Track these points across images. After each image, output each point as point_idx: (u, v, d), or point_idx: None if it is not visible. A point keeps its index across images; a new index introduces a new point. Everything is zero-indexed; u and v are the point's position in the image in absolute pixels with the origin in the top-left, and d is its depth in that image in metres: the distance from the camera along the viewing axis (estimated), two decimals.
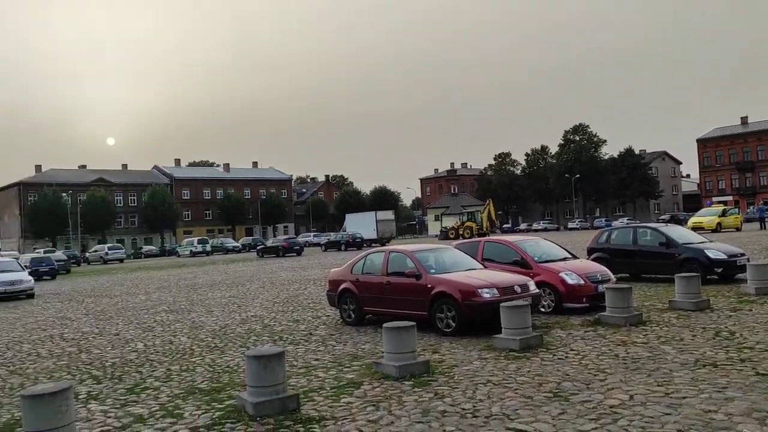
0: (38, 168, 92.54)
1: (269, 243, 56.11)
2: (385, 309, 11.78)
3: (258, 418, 6.50)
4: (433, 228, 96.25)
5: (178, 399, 7.65)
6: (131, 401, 7.70)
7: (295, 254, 49.85)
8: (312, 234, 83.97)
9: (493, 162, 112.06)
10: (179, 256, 66.75)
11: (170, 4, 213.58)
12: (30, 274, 27.73)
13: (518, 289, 10.77)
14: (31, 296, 24.69)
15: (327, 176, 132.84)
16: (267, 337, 11.79)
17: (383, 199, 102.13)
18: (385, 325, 8.28)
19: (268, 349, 7.28)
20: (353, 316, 12.51)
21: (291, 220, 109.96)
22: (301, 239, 64.06)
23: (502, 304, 9.53)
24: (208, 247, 64.71)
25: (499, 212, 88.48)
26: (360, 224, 61.20)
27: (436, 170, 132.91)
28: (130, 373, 9.33)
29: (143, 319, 15.58)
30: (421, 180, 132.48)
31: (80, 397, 7.98)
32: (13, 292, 24.29)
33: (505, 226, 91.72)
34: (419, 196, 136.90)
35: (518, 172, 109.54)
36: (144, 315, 16.51)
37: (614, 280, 13.09)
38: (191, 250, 63.98)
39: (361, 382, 7.83)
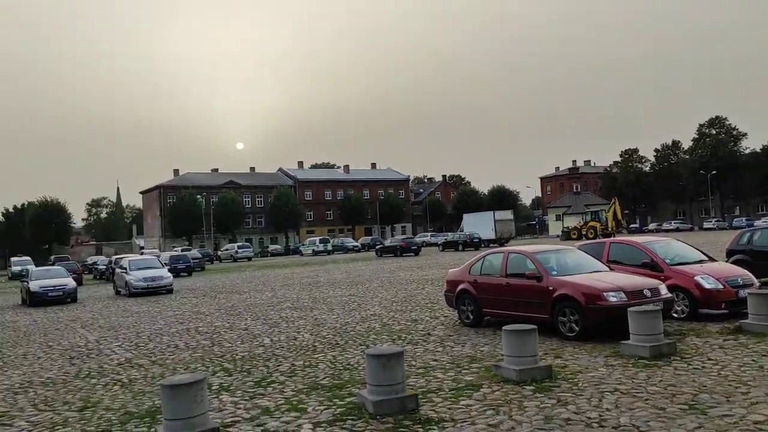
0: (176, 172, 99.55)
1: (387, 243, 56.92)
2: (505, 311, 11.57)
3: (378, 417, 6.58)
4: (554, 228, 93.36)
5: (301, 394, 7.91)
6: (259, 394, 8.06)
7: (412, 254, 50.21)
8: (429, 234, 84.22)
9: (618, 159, 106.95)
10: (302, 254, 69.36)
11: (292, 10, 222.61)
12: (169, 271, 29.92)
13: (648, 293, 10.18)
14: (170, 291, 26.61)
15: (444, 176, 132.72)
16: (386, 336, 11.93)
17: (501, 198, 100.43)
18: (504, 327, 8.11)
19: (388, 349, 7.36)
20: (471, 317, 12.38)
21: (408, 220, 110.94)
22: (418, 239, 64.45)
23: (630, 309, 9.04)
24: (329, 247, 66.74)
25: (626, 211, 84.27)
26: (478, 224, 60.57)
27: (557, 168, 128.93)
28: (258, 367, 9.78)
29: (269, 316, 16.31)
30: (542, 179, 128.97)
31: (213, 388, 8.47)
32: (155, 287, 26.31)
33: (632, 226, 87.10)
34: (539, 195, 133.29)
35: (647, 168, 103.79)
36: (270, 311, 17.28)
37: (757, 284, 12.04)
38: (313, 249, 66.28)
39: (481, 385, 7.71)
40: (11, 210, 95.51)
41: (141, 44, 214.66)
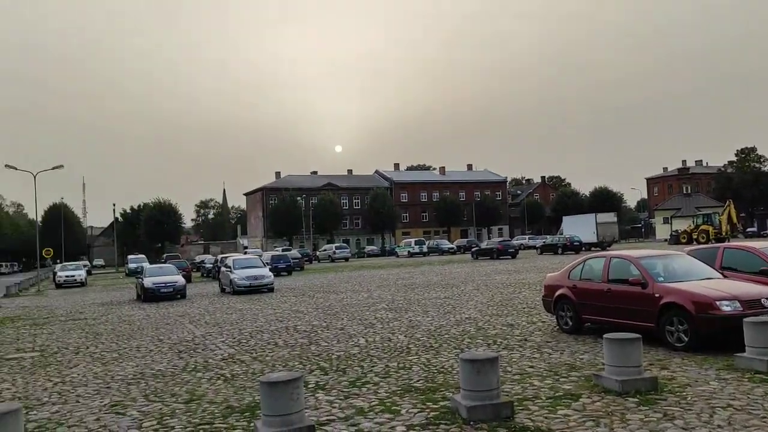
0: (278, 175, 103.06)
1: (484, 245, 56.22)
2: (606, 318, 11.10)
3: (471, 422, 6.49)
4: (662, 232, 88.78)
5: (395, 396, 7.93)
6: (353, 394, 8.16)
7: (509, 257, 49.36)
8: (527, 236, 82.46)
9: (734, 158, 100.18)
10: (398, 256, 69.82)
11: (387, 14, 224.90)
12: (270, 270, 30.97)
13: (766, 303, 9.44)
14: (271, 290, 27.54)
15: (543, 177, 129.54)
16: (481, 341, 11.76)
17: (604, 200, 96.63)
18: (606, 335, 7.77)
19: (482, 354, 7.24)
20: (570, 323, 11.98)
21: (506, 222, 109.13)
22: (515, 242, 63.25)
23: (745, 319, 8.41)
24: (425, 248, 66.76)
25: (742, 214, 78.81)
26: (578, 227, 58.59)
27: (665, 169, 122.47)
28: (353, 367, 9.91)
29: (365, 316, 16.50)
30: (648, 179, 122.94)
31: (309, 386, 8.66)
32: (257, 286, 27.32)
33: (749, 230, 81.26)
34: (645, 196, 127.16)
35: (766, 168, 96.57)
36: (366, 312, 17.48)
37: None
38: (409, 251, 66.55)
39: (580, 395, 7.43)
40: (129, 211, 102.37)
41: (244, 51, 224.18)
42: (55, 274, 48.05)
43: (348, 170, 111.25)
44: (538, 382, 8.22)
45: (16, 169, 44.78)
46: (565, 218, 65.86)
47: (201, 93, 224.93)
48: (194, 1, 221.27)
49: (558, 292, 12.31)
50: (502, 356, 9.84)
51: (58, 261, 62.39)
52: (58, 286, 43.93)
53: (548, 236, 68.28)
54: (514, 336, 12.07)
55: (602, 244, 54.51)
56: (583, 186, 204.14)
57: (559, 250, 52.46)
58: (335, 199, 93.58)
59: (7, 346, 14.94)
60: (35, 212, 59.93)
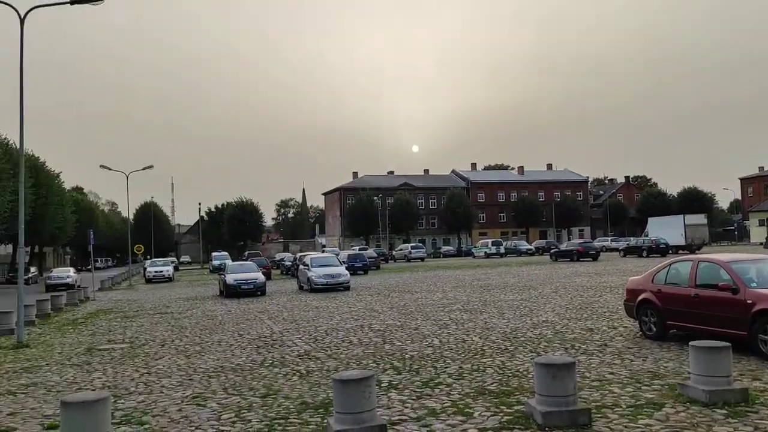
0: (355, 175, 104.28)
1: (563, 246, 54.83)
2: (692, 324, 10.56)
3: (546, 428, 6.33)
4: (757, 235, 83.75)
5: (468, 398, 7.84)
6: (426, 394, 8.12)
7: (590, 259, 47.93)
8: (609, 238, 79.74)
9: None
10: (474, 256, 69.14)
11: (464, 12, 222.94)
12: (346, 268, 31.35)
13: None
14: (347, 288, 27.88)
15: (627, 177, 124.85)
16: (558, 344, 11.46)
17: (693, 200, 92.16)
18: (692, 343, 7.39)
19: (559, 358, 7.04)
20: (654, 329, 11.48)
21: (587, 223, 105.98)
22: (597, 243, 61.28)
23: None
24: (502, 249, 65.81)
25: None
26: (665, 229, 56.09)
27: (760, 168, 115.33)
28: (426, 368, 9.87)
29: (439, 317, 16.42)
30: (742, 179, 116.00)
31: (382, 385, 8.69)
32: (333, 284, 27.72)
33: None
34: (738, 197, 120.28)
35: None
36: (440, 312, 17.40)
37: None
38: (485, 252, 65.79)
39: (663, 404, 7.11)
40: (213, 209, 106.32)
41: (321, 54, 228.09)
42: (145, 269, 50.52)
43: (424, 170, 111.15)
44: (618, 390, 7.92)
45: (110, 169, 47.35)
46: (650, 219, 63.23)
47: (281, 96, 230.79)
48: (271, 4, 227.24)
49: (641, 297, 11.83)
50: (580, 361, 9.56)
51: (148, 257, 65.53)
52: (148, 281, 46.16)
53: (632, 238, 65.79)
54: (593, 341, 11.69)
55: (691, 247, 52.01)
56: (671, 186, 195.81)
57: (644, 253, 50.43)
58: (411, 198, 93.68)
59: (99, 337, 15.82)
60: (127, 210, 63.08)
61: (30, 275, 49.72)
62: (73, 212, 67.90)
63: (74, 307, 25.74)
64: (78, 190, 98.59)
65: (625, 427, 6.40)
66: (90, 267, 44.14)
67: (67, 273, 42.71)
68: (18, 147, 16.56)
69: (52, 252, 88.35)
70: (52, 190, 57.37)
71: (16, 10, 15.82)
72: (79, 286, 35.33)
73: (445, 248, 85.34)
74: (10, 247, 60.72)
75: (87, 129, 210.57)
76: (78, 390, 9.38)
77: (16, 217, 17.08)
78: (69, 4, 15.80)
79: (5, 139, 47.99)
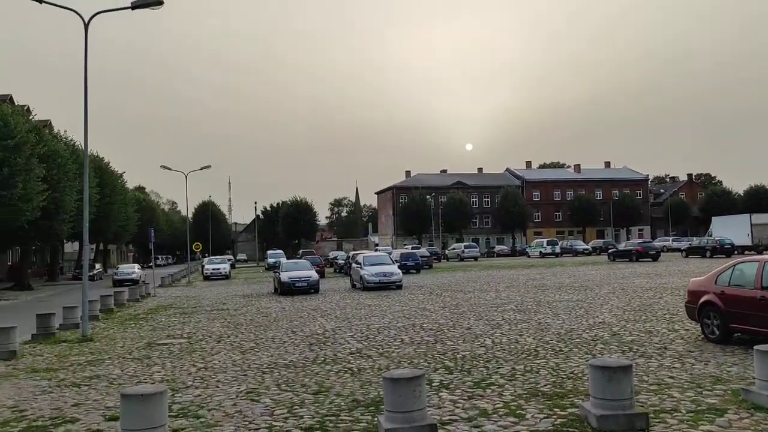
0: (408, 173, 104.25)
1: (622, 246, 53.41)
2: (758, 328, 10.12)
3: None
4: None
5: (521, 399, 7.72)
6: (477, 395, 8.04)
7: (650, 259, 46.53)
8: (671, 238, 77.27)
9: None
10: (529, 256, 68.15)
11: (517, 10, 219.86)
12: (399, 267, 31.37)
13: None
14: (399, 287, 27.90)
15: (689, 175, 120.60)
16: (615, 347, 11.17)
17: (761, 199, 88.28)
18: (757, 347, 7.08)
19: (615, 360, 6.85)
20: (717, 332, 11.05)
21: (646, 222, 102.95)
22: (657, 243, 59.46)
23: None
24: (557, 249, 64.63)
25: None
26: (730, 228, 53.92)
27: None
28: (478, 368, 9.78)
29: (492, 316, 16.25)
30: None
31: (434, 384, 8.65)
32: (386, 282, 27.79)
33: None
34: None
35: None
36: (493, 312, 17.21)
37: None
38: (540, 251, 64.76)
39: (725, 410, 6.83)
40: (268, 208, 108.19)
41: (372, 52, 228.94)
42: (203, 267, 51.83)
43: (478, 168, 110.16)
44: (678, 394, 7.66)
45: (170, 169, 48.83)
46: (714, 219, 60.91)
47: (333, 97, 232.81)
48: (321, 7, 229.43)
49: (703, 299, 11.41)
50: (638, 364, 9.29)
51: (206, 255, 67.19)
52: (206, 278, 47.32)
53: (695, 238, 63.54)
54: (652, 343, 11.34)
55: (758, 248, 49.83)
56: (736, 184, 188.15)
57: (708, 253, 48.63)
58: (465, 197, 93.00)
59: (159, 332, 16.31)
60: (186, 209, 64.90)
61: (95, 272, 51.76)
62: (136, 211, 70.27)
63: (136, 303, 26.62)
64: (140, 189, 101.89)
65: None
66: (151, 264, 45.65)
67: (132, 269, 44.60)
68: (83, 148, 17.23)
69: (115, 249, 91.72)
70: (116, 189, 59.51)
71: (81, 16, 16.46)
72: (143, 282, 36.83)
73: (498, 248, 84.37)
74: (76, 245, 63.29)
75: (148, 131, 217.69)
76: (138, 383, 9.69)
77: (82, 215, 17.78)
78: (130, 9, 16.32)
79: (72, 140, 50.07)
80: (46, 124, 48.37)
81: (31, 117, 41.01)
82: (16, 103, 45.50)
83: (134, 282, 39.46)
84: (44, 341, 15.05)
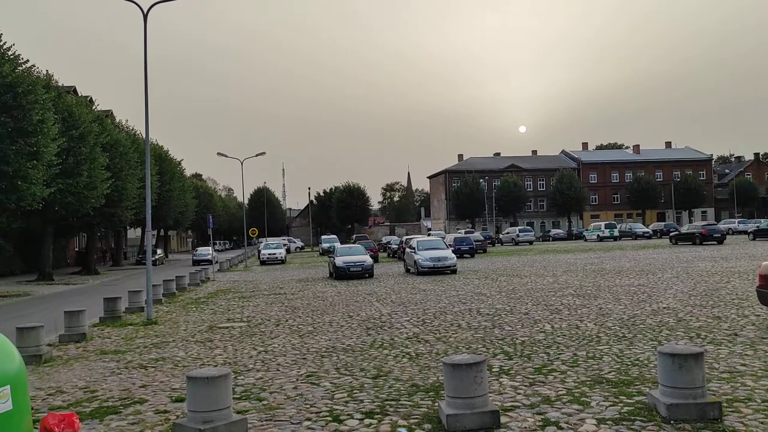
0: (460, 157, 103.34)
1: (684, 229, 51.61)
2: None
3: (672, 421, 5.95)
4: None
5: (584, 386, 7.53)
6: (539, 381, 7.89)
7: (715, 242, 44.83)
8: (736, 220, 74.23)
9: None
10: (586, 240, 66.69)
11: None
12: (453, 252, 31.17)
13: None
14: (454, 272, 27.74)
15: (756, 154, 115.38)
16: (682, 333, 10.79)
17: None
18: None
19: (685, 348, 6.58)
20: None
21: (710, 204, 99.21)
22: (722, 226, 57.24)
23: None
24: (616, 232, 62.98)
25: None
26: None
27: None
28: (538, 353, 9.60)
29: (551, 301, 15.95)
30: None
31: (493, 370, 8.54)
32: (440, 267, 27.67)
33: None
34: None
35: None
36: (551, 297, 16.90)
37: None
38: (598, 235, 63.26)
39: None
40: (322, 194, 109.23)
41: (425, 36, 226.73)
42: (259, 252, 52.82)
43: (532, 151, 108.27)
44: (751, 383, 7.33)
45: (226, 156, 49.76)
46: None
47: (384, 82, 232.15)
48: None
49: None
50: (707, 351, 8.94)
51: (261, 240, 68.39)
52: (262, 263, 48.20)
53: (762, 220, 60.86)
54: (721, 330, 10.90)
55: None
56: None
57: None
58: (519, 180, 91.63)
59: (219, 315, 16.69)
60: (242, 195, 66.38)
61: (156, 257, 53.46)
62: (194, 198, 72.11)
63: (196, 287, 27.34)
64: (197, 176, 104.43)
65: (761, 423, 5.91)
66: (220, 248, 47.29)
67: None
68: (144, 137, 17.69)
69: (175, 235, 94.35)
70: (175, 177, 61.12)
71: (140, 7, 16.81)
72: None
73: (554, 231, 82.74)
74: (138, 231, 65.42)
75: (205, 119, 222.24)
76: (202, 365, 9.92)
77: (144, 202, 18.33)
78: None
79: (133, 130, 51.58)
80: (108, 114, 49.94)
81: (93, 107, 42.44)
82: (80, 95, 47.12)
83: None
84: (111, 324, 15.61)
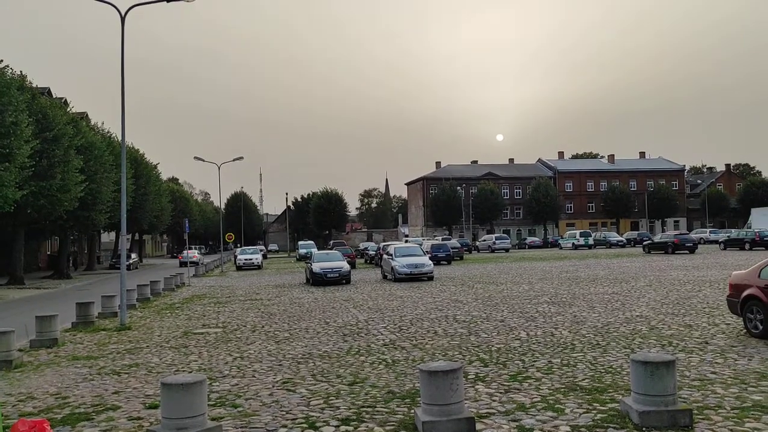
0: (438, 164, 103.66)
1: (657, 238, 52.39)
2: None
3: (644, 428, 6.05)
4: None
5: (558, 393, 7.61)
6: (514, 388, 7.96)
7: (687, 252, 45.57)
8: (708, 230, 75.52)
9: None
10: (561, 248, 67.31)
11: (549, 2, 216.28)
12: (430, 258, 31.26)
13: None
14: (430, 279, 27.81)
15: (728, 165, 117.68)
16: (654, 341, 10.95)
17: None
18: None
19: (657, 355, 6.69)
20: (760, 327, 10.74)
21: (683, 214, 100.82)
22: (694, 235, 58.24)
23: None
24: (591, 241, 63.69)
25: None
26: None
27: None
28: (514, 361, 9.68)
29: (526, 309, 16.08)
30: None
31: (469, 377, 8.59)
32: (417, 274, 27.73)
33: None
34: None
35: None
36: (527, 304, 17.03)
37: None
38: (573, 243, 63.89)
39: None
40: (299, 199, 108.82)
41: (404, 43, 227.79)
42: (235, 257, 52.42)
43: (509, 159, 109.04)
44: (721, 390, 7.48)
45: (203, 160, 49.40)
46: (754, 210, 59.61)
47: (363, 87, 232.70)
48: (352, 0, 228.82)
49: (746, 292, 11.11)
50: (678, 359, 9.08)
51: (238, 245, 67.90)
52: (238, 268, 47.83)
53: (733, 230, 62.04)
54: (692, 338, 11.09)
55: None
56: None
57: (747, 246, 47.47)
58: (495, 188, 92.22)
59: (194, 321, 16.53)
60: (219, 200, 65.72)
61: (131, 261, 52.78)
62: (169, 202, 71.29)
63: (171, 292, 27.05)
64: (174, 180, 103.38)
65: (730, 430, 6.04)
66: (208, 251, 46.98)
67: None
68: (120, 140, 17.50)
69: (150, 239, 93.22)
70: (151, 180, 60.42)
71: (117, 9, 16.66)
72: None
73: (530, 239, 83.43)
74: (113, 235, 64.54)
75: (182, 123, 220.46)
76: (176, 372, 9.83)
77: (119, 206, 18.10)
78: (165, 1, 16.46)
79: (108, 132, 50.93)
80: (83, 116, 49.25)
81: (68, 109, 41.84)
82: (54, 96, 46.44)
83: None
84: (84, 329, 15.38)
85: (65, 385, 9.18)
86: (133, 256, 57.92)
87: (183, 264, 53.06)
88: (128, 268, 46.65)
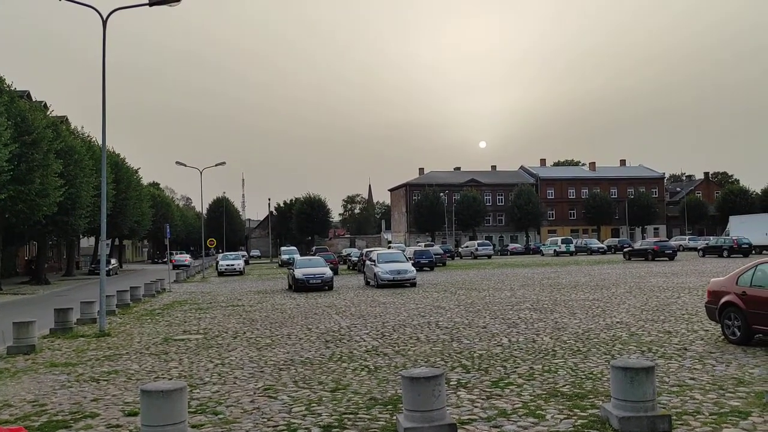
0: (421, 171, 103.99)
1: (637, 245, 52.96)
2: None
3: None
4: None
5: (540, 399, 7.65)
6: (496, 394, 7.98)
7: (666, 258, 46.14)
8: (687, 237, 76.51)
9: None
10: (543, 254, 67.75)
11: (532, 10, 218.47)
12: (413, 265, 31.29)
13: None
14: (413, 285, 27.84)
15: (706, 173, 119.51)
16: (634, 347, 11.06)
17: None
18: None
19: (637, 362, 6.76)
20: (738, 333, 10.90)
21: (662, 221, 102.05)
22: (674, 242, 58.95)
23: None
24: (572, 247, 64.17)
25: None
26: (748, 228, 53.36)
27: None
28: (495, 367, 9.71)
29: (508, 315, 16.15)
30: None
31: (451, 383, 8.60)
32: (400, 280, 27.73)
33: None
34: None
35: None
36: (509, 311, 17.11)
37: None
38: (555, 249, 64.34)
39: (749, 413, 6.73)
40: (282, 205, 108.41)
41: (387, 50, 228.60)
42: (217, 263, 52.02)
43: (492, 166, 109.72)
44: (699, 396, 7.56)
45: (185, 165, 49.08)
46: (732, 218, 60.36)
47: (346, 93, 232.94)
48: (337, 5, 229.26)
49: (724, 299, 11.26)
50: (658, 365, 9.18)
51: (220, 251, 67.46)
52: (220, 274, 47.49)
53: (712, 237, 62.86)
54: (671, 344, 11.21)
55: None
56: (754, 183, 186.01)
57: (725, 253, 48.14)
58: (478, 195, 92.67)
59: (175, 327, 16.38)
60: (201, 205, 65.33)
61: (110, 267, 52.16)
62: (150, 207, 70.62)
63: (152, 298, 26.78)
64: (155, 185, 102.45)
65: None
66: (166, 260, 46.18)
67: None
68: (100, 144, 17.34)
69: (130, 245, 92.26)
70: (132, 185, 59.84)
71: (99, 12, 16.53)
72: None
73: (512, 246, 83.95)
74: (92, 240, 63.82)
75: (164, 127, 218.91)
76: (156, 379, 9.73)
77: (99, 211, 17.90)
78: (148, 6, 16.37)
79: (88, 136, 50.41)
80: (63, 120, 48.72)
81: (48, 113, 41.35)
82: (34, 99, 45.89)
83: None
84: (62, 336, 15.17)
85: (43, 393, 9.04)
86: (113, 261, 57.26)
87: (176, 267, 54.34)
88: (108, 273, 46.24)
